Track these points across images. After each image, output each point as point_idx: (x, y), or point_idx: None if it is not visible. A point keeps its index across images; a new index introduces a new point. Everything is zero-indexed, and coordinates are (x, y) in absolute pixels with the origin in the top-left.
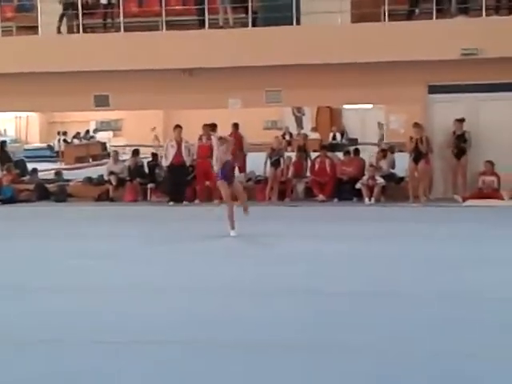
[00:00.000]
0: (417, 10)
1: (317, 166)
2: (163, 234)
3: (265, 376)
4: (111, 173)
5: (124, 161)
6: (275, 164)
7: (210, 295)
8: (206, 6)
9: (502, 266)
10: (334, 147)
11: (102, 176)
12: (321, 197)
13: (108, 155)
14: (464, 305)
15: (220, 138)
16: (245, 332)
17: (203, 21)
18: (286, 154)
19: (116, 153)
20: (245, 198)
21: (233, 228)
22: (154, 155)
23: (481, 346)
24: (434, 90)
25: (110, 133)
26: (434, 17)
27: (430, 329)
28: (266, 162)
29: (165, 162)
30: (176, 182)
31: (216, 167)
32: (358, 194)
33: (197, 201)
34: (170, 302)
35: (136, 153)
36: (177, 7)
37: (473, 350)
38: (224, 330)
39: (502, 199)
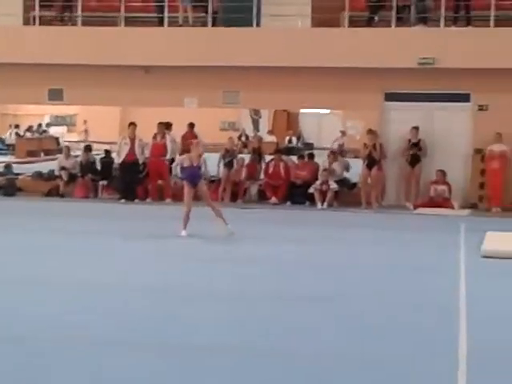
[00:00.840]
0: (376, 18)
1: (271, 169)
2: (110, 230)
3: (194, 378)
4: (62, 168)
5: (76, 156)
6: (228, 165)
7: (150, 295)
8: (166, 4)
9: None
10: (289, 151)
11: (52, 171)
12: (273, 200)
13: (61, 150)
14: (399, 310)
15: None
16: (180, 335)
17: (162, 18)
18: (241, 156)
19: (67, 148)
20: (213, 205)
21: (184, 228)
22: (107, 152)
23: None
24: (390, 97)
25: (64, 128)
26: (394, 25)
27: (365, 334)
28: (219, 163)
29: (117, 159)
30: (128, 179)
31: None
32: (311, 199)
33: (149, 199)
34: (100, 300)
35: (88, 149)
36: (136, 4)
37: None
38: (158, 331)
39: (453, 208)
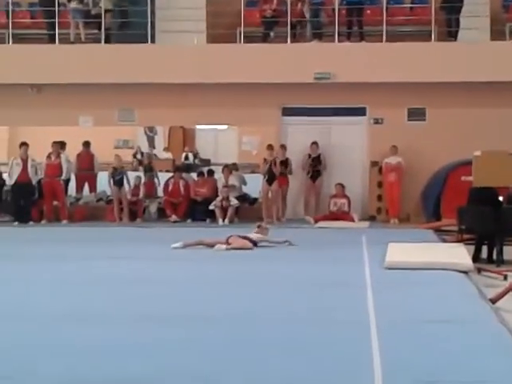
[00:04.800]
0: (272, 34)
1: (170, 187)
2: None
3: None
4: None
5: None
6: (118, 183)
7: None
8: (57, 20)
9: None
10: (187, 168)
11: None
12: (174, 217)
13: None
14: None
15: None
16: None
17: (54, 35)
18: (137, 174)
19: None
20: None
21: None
22: None
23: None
24: (287, 112)
25: None
26: (289, 40)
27: (275, 354)
28: (109, 182)
29: (9, 181)
30: (21, 201)
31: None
32: (212, 215)
33: (44, 221)
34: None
35: None
36: (25, 20)
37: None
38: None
39: (353, 221)
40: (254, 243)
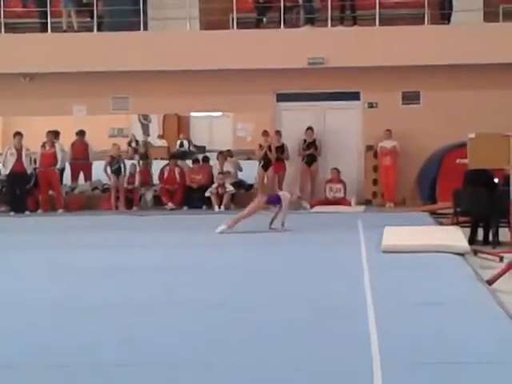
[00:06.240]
0: (265, 19)
1: (166, 174)
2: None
3: None
4: None
5: None
6: (116, 172)
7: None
8: (49, 9)
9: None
10: (183, 155)
11: None
12: (170, 205)
13: None
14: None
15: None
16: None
17: (46, 24)
18: (132, 162)
19: None
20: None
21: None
22: None
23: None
24: (281, 98)
25: None
26: (282, 26)
27: (272, 340)
28: (105, 171)
29: (4, 171)
30: (17, 191)
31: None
32: (208, 202)
33: (40, 211)
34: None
35: None
36: (17, 9)
37: None
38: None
39: (350, 205)
40: (278, 200)
